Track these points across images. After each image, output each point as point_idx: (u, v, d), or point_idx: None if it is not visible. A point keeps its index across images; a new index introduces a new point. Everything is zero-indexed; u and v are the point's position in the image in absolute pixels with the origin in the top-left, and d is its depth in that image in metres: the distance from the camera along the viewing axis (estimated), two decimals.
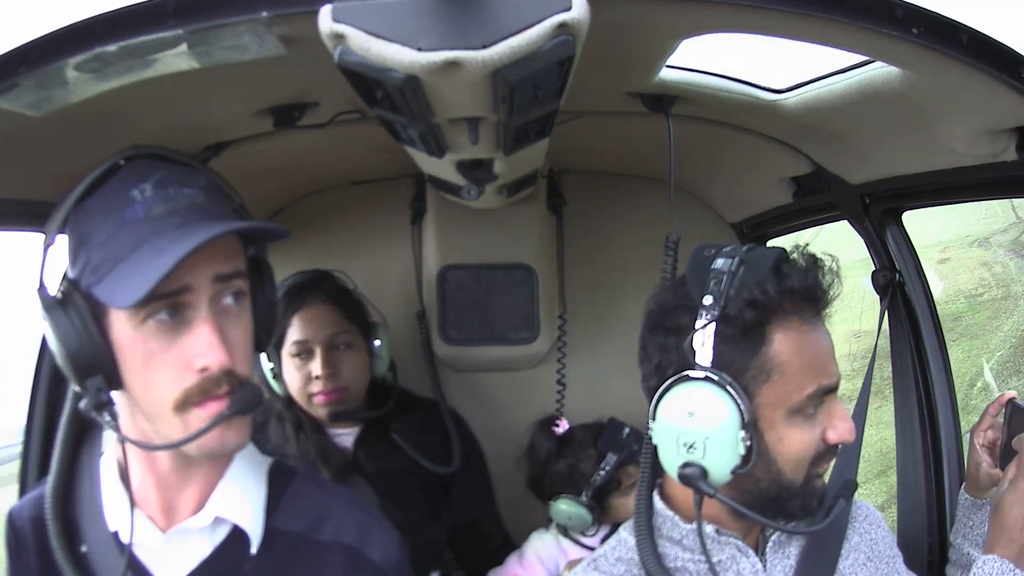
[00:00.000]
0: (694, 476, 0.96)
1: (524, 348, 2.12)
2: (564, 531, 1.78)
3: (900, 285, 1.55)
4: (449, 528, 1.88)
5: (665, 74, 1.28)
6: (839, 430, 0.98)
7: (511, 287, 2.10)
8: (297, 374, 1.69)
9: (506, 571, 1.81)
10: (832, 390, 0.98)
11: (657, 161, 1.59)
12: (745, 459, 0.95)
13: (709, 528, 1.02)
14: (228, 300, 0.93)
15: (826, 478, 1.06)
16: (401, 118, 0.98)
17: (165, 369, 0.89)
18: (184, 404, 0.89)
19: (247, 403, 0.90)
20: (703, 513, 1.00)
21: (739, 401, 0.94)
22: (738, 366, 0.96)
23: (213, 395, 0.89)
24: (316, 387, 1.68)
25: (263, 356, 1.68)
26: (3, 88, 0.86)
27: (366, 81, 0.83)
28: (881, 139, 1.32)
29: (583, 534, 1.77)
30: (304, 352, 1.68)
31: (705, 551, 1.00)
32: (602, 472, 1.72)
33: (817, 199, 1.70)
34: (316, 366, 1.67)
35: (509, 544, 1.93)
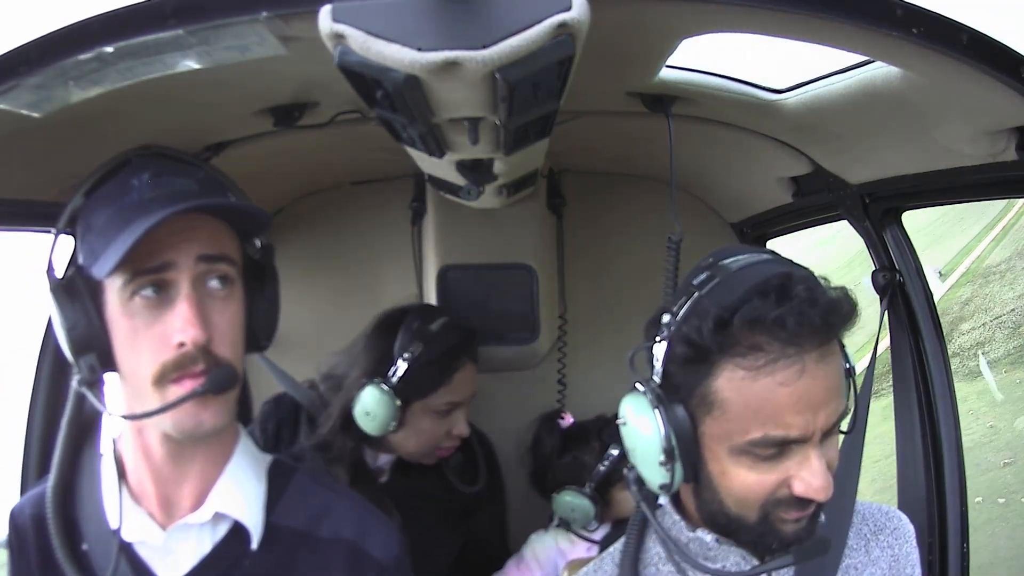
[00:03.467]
0: (630, 480, 0.97)
1: (524, 348, 2.12)
2: (567, 525, 1.78)
3: (900, 285, 1.55)
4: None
5: (665, 74, 1.28)
6: (807, 486, 0.88)
7: (511, 287, 2.10)
8: (435, 429, 1.63)
9: (503, 573, 1.81)
10: (793, 442, 0.87)
11: (657, 161, 1.59)
12: (670, 483, 0.92)
13: (709, 537, 1.00)
14: (213, 283, 0.95)
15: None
16: (401, 118, 0.98)
17: (148, 344, 0.92)
18: (162, 379, 0.91)
19: (221, 383, 0.92)
20: (702, 521, 0.99)
21: (662, 427, 0.90)
22: (686, 390, 0.91)
23: (189, 372, 0.91)
24: (449, 442, 1.66)
25: (373, 393, 1.56)
26: (3, 88, 0.86)
27: (366, 81, 0.83)
28: (881, 139, 1.31)
29: (585, 528, 1.78)
30: (451, 410, 1.64)
31: (671, 555, 1.00)
32: (605, 464, 1.72)
33: (817, 199, 1.70)
34: (462, 426, 1.65)
35: (508, 554, 1.93)
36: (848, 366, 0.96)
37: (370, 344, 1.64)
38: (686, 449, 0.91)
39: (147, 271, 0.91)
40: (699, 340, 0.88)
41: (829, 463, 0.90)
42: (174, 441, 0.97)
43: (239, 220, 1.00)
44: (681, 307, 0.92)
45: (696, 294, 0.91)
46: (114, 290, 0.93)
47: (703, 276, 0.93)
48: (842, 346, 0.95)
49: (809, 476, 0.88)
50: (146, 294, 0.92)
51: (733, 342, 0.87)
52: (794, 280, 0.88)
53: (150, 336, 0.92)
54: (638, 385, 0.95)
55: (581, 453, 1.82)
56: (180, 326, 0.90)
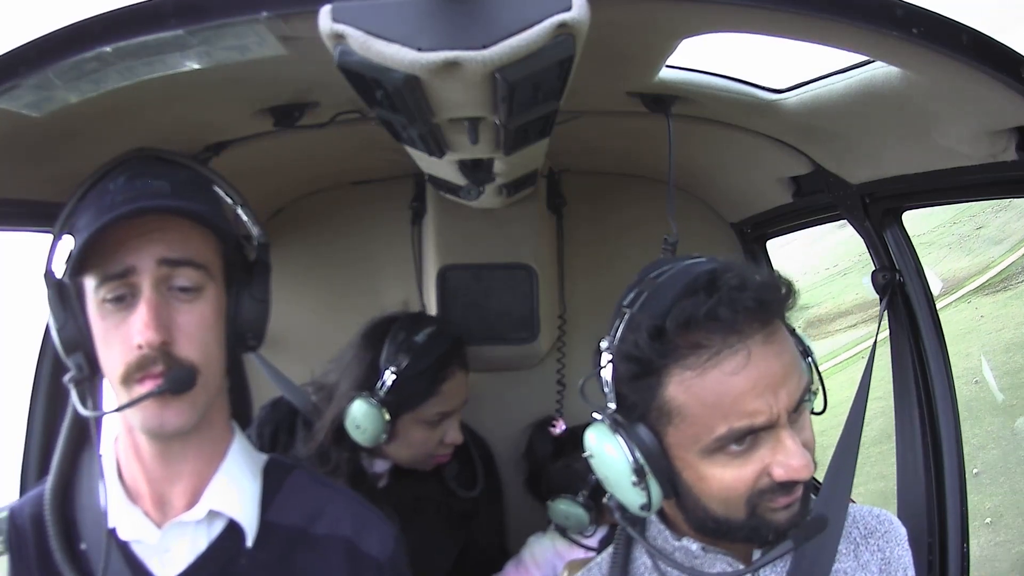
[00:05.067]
0: (613, 508, 0.97)
1: (524, 348, 2.12)
2: (562, 531, 1.78)
3: (900, 285, 1.55)
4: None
5: (665, 74, 1.28)
6: (787, 468, 0.86)
7: (511, 287, 2.10)
8: (427, 439, 1.62)
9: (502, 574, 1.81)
10: (761, 429, 0.87)
11: (657, 161, 1.59)
12: (648, 502, 0.91)
13: (695, 546, 0.99)
14: (179, 286, 0.96)
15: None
16: (401, 118, 0.98)
17: (116, 346, 0.94)
18: (127, 379, 0.94)
19: (177, 383, 0.93)
20: (690, 529, 0.98)
21: (626, 449, 0.90)
22: (641, 408, 0.91)
23: (149, 373, 0.93)
24: (443, 450, 1.65)
25: (361, 407, 1.55)
26: (3, 88, 0.86)
27: (366, 81, 0.83)
28: (881, 139, 1.31)
29: (581, 534, 1.78)
30: (442, 420, 1.62)
31: (656, 565, 1.00)
32: None
33: (817, 199, 1.70)
34: (455, 434, 1.63)
35: (506, 556, 1.93)
36: (803, 347, 0.95)
37: (358, 355, 1.63)
38: (656, 465, 0.90)
39: (112, 276, 0.93)
40: (639, 354, 0.88)
41: (805, 443, 0.89)
42: (161, 440, 0.98)
43: (210, 221, 0.99)
44: (616, 329, 0.92)
45: (627, 312, 0.91)
46: (90, 293, 0.96)
47: (632, 294, 0.93)
48: (792, 330, 0.95)
49: (786, 458, 0.86)
50: (113, 298, 0.94)
51: (673, 347, 0.87)
52: (720, 273, 0.87)
53: (118, 338, 0.94)
54: (595, 414, 0.94)
55: (573, 460, 1.81)
56: (139, 328, 0.92)
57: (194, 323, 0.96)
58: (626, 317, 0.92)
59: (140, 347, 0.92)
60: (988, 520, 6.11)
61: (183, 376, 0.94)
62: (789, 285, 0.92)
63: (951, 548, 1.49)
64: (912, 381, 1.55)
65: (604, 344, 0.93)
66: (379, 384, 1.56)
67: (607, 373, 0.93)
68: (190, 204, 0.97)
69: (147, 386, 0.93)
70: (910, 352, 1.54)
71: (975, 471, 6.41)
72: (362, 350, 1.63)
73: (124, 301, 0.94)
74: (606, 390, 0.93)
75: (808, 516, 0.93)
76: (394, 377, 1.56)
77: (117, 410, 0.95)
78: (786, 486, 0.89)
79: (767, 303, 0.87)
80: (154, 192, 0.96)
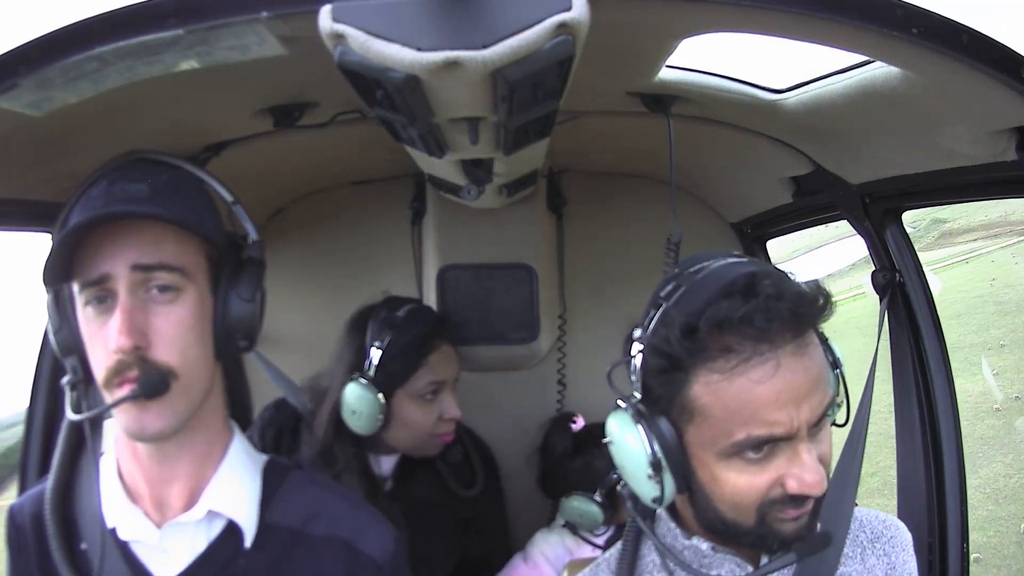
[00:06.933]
0: (624, 497, 0.98)
1: (524, 347, 2.13)
2: (573, 529, 1.78)
3: (900, 285, 1.55)
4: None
5: (665, 74, 1.28)
6: (800, 482, 0.87)
7: (511, 287, 2.10)
8: (425, 417, 1.62)
9: (512, 571, 1.80)
10: (780, 439, 0.86)
11: (657, 161, 1.59)
12: (660, 495, 0.92)
13: (705, 545, 1.00)
14: (155, 290, 0.95)
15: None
16: (401, 118, 0.98)
17: (98, 350, 0.95)
18: (108, 383, 0.94)
19: (148, 388, 0.93)
20: (700, 528, 0.99)
21: (646, 441, 0.90)
22: (665, 401, 0.91)
23: (126, 377, 0.93)
24: (444, 428, 1.64)
25: (355, 391, 1.55)
26: (3, 88, 0.86)
27: (366, 81, 0.83)
28: (881, 139, 1.32)
29: (591, 532, 1.78)
30: (435, 392, 1.63)
31: (665, 563, 1.00)
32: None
33: (817, 199, 1.70)
34: (452, 408, 1.63)
35: (508, 556, 1.92)
36: (832, 358, 0.95)
37: (345, 344, 1.65)
38: (673, 460, 0.91)
39: (90, 283, 0.93)
40: (669, 350, 0.88)
41: (821, 457, 0.89)
42: (156, 445, 0.98)
43: (185, 223, 0.99)
44: (650, 320, 0.92)
45: (663, 305, 0.91)
46: (76, 298, 0.96)
47: (669, 287, 0.93)
48: (824, 339, 0.94)
49: (801, 472, 0.87)
50: (94, 303, 0.94)
51: (703, 347, 0.86)
52: (759, 278, 0.87)
53: (99, 342, 0.94)
54: (619, 402, 0.95)
55: (593, 458, 1.80)
56: (114, 334, 0.92)
57: (171, 326, 0.96)
58: (661, 310, 0.92)
59: (116, 352, 0.92)
60: (995, 372, 8.49)
61: (155, 381, 0.93)
62: (827, 296, 0.91)
63: (951, 548, 1.49)
64: (912, 381, 1.55)
65: (636, 333, 0.94)
66: (367, 364, 1.57)
67: (636, 362, 0.93)
68: (162, 208, 0.96)
69: (125, 390, 0.93)
70: (910, 352, 1.55)
71: (1002, 343, 9.41)
72: (348, 339, 1.65)
73: (105, 303, 0.94)
74: (633, 379, 0.93)
75: (813, 532, 0.93)
76: (380, 353, 1.57)
77: (94, 413, 0.96)
78: (797, 499, 0.89)
79: (802, 315, 0.87)
80: (129, 196, 0.96)
